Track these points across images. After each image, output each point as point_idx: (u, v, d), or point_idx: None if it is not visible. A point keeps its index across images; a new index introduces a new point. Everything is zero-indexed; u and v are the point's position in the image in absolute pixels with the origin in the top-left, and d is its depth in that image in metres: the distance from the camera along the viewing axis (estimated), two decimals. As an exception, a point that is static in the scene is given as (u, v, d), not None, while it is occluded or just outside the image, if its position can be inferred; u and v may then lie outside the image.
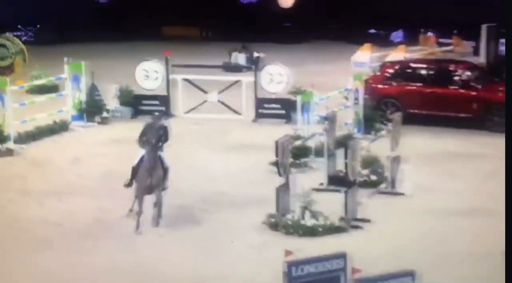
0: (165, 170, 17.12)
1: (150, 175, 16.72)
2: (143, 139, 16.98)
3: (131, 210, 17.36)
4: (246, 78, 27.69)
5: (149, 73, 27.82)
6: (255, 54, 33.61)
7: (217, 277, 14.83)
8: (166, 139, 17.06)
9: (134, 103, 27.52)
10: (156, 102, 27.42)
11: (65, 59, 26.65)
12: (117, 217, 17.78)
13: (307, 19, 39.39)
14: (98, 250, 16.08)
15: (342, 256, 11.85)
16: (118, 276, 14.89)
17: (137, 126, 25.78)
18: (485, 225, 17.33)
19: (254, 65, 29.75)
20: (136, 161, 17.00)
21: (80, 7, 43.05)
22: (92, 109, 26.65)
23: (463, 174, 21.02)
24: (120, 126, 26.31)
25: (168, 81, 27.65)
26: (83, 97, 26.63)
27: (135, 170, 16.97)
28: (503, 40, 32.65)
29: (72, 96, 26.51)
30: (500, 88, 26.34)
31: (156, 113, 17.82)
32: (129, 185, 17.25)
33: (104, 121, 26.78)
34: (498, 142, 23.40)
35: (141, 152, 16.96)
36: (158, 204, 17.03)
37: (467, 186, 20.08)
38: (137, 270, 15.14)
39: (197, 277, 14.84)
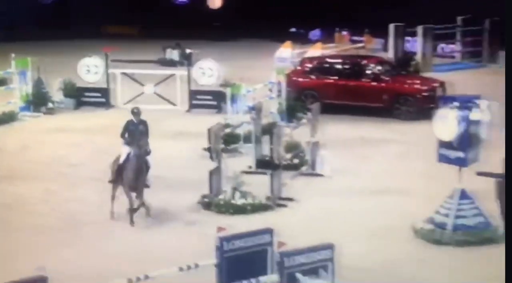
0: (148, 169, 16.50)
1: (137, 173, 16.06)
2: (126, 137, 16.37)
3: (112, 212, 16.55)
4: (180, 72, 27.58)
5: (90, 68, 27.59)
6: (188, 51, 33.44)
7: (157, 252, 14.80)
8: (147, 134, 16.34)
9: (77, 95, 27.27)
10: (97, 94, 27.25)
11: (12, 55, 26.39)
12: (62, 198, 17.71)
13: (234, 19, 39.37)
14: (44, 228, 15.97)
15: (269, 231, 11.95)
16: (61, 251, 14.82)
17: (79, 116, 25.93)
18: (395, 202, 17.58)
19: (186, 60, 29.68)
20: (122, 159, 16.23)
21: (26, 7, 42.39)
22: (38, 101, 26.39)
23: (375, 157, 21.26)
24: (64, 116, 26.17)
25: (107, 75, 27.43)
26: (29, 90, 26.34)
27: (121, 167, 16.19)
28: (408, 38, 33.14)
29: (19, 89, 26.27)
30: (407, 81, 26.81)
31: (135, 110, 16.81)
32: (113, 181, 16.40)
33: (49, 112, 26.49)
34: (405, 128, 23.86)
35: (125, 149, 16.30)
36: (140, 201, 16.22)
37: (379, 168, 20.31)
38: (80, 247, 15.07)
39: (139, 253, 14.80)
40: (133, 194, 16.24)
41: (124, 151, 16.31)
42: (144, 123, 16.61)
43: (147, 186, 16.52)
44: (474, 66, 32.65)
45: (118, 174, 16.26)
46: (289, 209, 17.38)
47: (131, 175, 15.99)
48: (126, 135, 16.38)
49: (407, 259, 14.75)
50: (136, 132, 16.25)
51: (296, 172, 19.50)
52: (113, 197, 16.52)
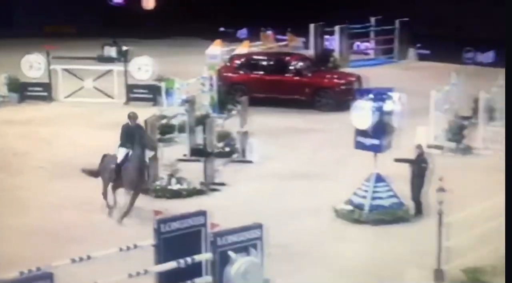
0: (147, 168, 16.00)
1: (139, 173, 15.33)
2: (124, 140, 15.62)
3: (109, 206, 15.87)
4: (117, 68, 27.27)
5: (32, 64, 27.18)
6: (124, 48, 33.03)
7: (99, 234, 14.64)
8: (144, 135, 15.66)
9: (21, 89, 26.79)
10: (40, 89, 26.81)
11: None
12: (9, 185, 17.41)
13: (167, 19, 39.11)
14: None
15: (203, 213, 11.89)
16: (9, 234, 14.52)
17: (23, 109, 25.47)
18: (318, 185, 17.70)
19: (123, 57, 29.38)
20: (120, 159, 15.47)
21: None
22: (-17, 95, 25.93)
23: (299, 145, 21.34)
24: (9, 109, 25.65)
25: (49, 70, 27.00)
26: (-25, 85, 25.87)
27: (118, 167, 15.43)
28: (327, 36, 33.33)
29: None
30: (327, 75, 26.97)
31: (131, 114, 16.06)
32: (111, 180, 15.61)
33: (-6, 105, 26.08)
34: (326, 118, 24.00)
35: (121, 150, 15.56)
36: (133, 200, 15.47)
37: (303, 155, 20.43)
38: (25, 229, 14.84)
39: (82, 235, 14.63)
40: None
41: (121, 152, 15.57)
42: (140, 126, 16.06)
43: (146, 186, 16.10)
44: (386, 61, 33.00)
45: (117, 174, 15.45)
46: (221, 193, 17.40)
47: (133, 174, 15.25)
48: (126, 140, 15.65)
49: (330, 237, 14.90)
50: (132, 134, 15.60)
51: (228, 159, 19.46)
52: (105, 195, 15.80)
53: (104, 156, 16.05)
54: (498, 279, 12.14)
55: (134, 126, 15.82)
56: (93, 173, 16.19)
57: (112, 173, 15.54)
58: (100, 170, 15.91)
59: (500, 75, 22.35)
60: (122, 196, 15.81)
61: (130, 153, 15.42)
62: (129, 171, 15.28)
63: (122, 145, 15.69)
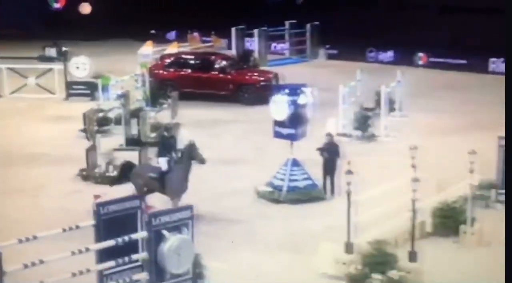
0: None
1: (184, 181, 14.40)
2: (164, 151, 14.70)
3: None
4: (57, 67, 26.80)
5: (-21, 64, 26.50)
6: (64, 49, 32.34)
7: (44, 216, 14.30)
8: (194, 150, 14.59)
9: (-30, 87, 26.06)
10: (-13, 86, 26.13)
11: None
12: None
13: (104, 22, 38.46)
14: None
15: (138, 197, 11.79)
16: None
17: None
18: (241, 170, 17.70)
19: (63, 57, 28.84)
20: (164, 168, 14.48)
21: None
22: None
23: (225, 134, 21.30)
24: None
25: (-5, 69, 26.37)
26: None
27: (162, 175, 14.42)
28: (247, 38, 33.32)
29: None
30: (248, 73, 26.93)
31: (168, 126, 15.43)
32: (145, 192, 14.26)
33: None
34: (248, 111, 23.97)
35: (163, 161, 14.55)
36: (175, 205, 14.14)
37: (228, 142, 20.39)
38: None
39: (27, 216, 14.26)
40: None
41: (163, 162, 14.57)
42: (175, 137, 15.47)
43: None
44: (300, 60, 33.17)
45: (160, 182, 14.42)
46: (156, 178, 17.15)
47: (178, 183, 14.34)
48: (167, 150, 14.78)
49: (253, 215, 14.91)
50: (170, 145, 14.91)
51: (160, 148, 19.26)
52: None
53: (127, 163, 15.04)
54: (400, 250, 12.33)
55: (170, 137, 15.20)
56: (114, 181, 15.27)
57: (151, 181, 14.49)
58: (132, 177, 14.88)
59: (397, 71, 22.83)
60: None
61: (172, 162, 14.55)
62: (174, 180, 14.35)
63: (162, 155, 14.73)
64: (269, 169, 16.46)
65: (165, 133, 15.37)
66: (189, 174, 14.53)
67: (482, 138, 17.34)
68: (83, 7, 39.79)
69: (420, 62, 30.85)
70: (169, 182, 14.34)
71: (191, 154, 14.42)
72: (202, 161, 14.60)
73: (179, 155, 14.75)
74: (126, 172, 14.83)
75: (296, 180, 15.93)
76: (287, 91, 16.17)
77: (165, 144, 14.97)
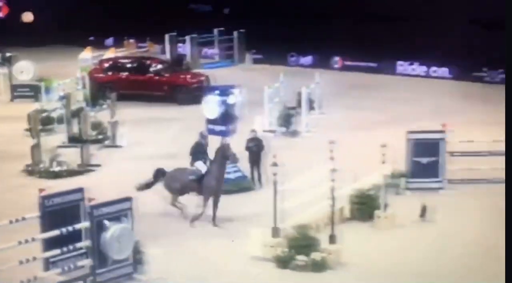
0: None
1: (220, 182, 14.02)
2: (200, 155, 14.32)
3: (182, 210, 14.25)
4: (3, 71, 26.17)
5: None
6: (8, 54, 31.38)
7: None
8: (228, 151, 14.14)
9: None
10: None
11: None
12: None
13: (46, 29, 37.53)
14: None
15: (80, 190, 11.70)
16: None
17: None
18: (178, 164, 17.07)
19: (8, 62, 28.02)
20: (204, 171, 14.08)
21: None
22: None
23: (161, 131, 21.06)
24: None
25: None
26: None
27: (201, 178, 14.05)
28: (180, 44, 33.11)
29: None
30: (181, 76, 26.74)
31: (204, 133, 14.78)
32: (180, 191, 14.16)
33: None
34: (182, 110, 23.74)
35: (201, 164, 14.20)
36: (216, 204, 14.04)
37: (164, 139, 20.15)
38: None
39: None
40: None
41: (201, 165, 14.22)
42: (207, 143, 14.76)
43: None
44: (228, 64, 33.10)
45: (198, 184, 14.04)
46: (96, 173, 16.99)
47: (214, 184, 13.92)
48: (198, 153, 14.43)
49: (188, 204, 14.72)
50: (205, 150, 14.49)
51: (101, 145, 19.02)
52: (174, 204, 14.26)
53: (160, 171, 14.46)
54: (321, 234, 12.44)
55: (206, 143, 14.68)
56: (147, 186, 14.55)
57: (190, 183, 14.10)
58: (168, 181, 14.33)
59: (316, 74, 23.05)
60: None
61: (212, 166, 14.10)
62: (211, 180, 13.96)
63: (197, 159, 14.34)
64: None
65: (201, 140, 14.65)
66: (224, 173, 14.19)
67: (392, 132, 17.64)
68: (26, 16, 38.91)
69: (337, 66, 31.26)
70: (207, 182, 13.96)
71: (225, 154, 14.02)
72: (235, 160, 14.39)
73: (212, 156, 14.23)
74: (158, 177, 14.38)
75: (227, 172, 15.85)
76: (218, 91, 16.16)
77: (200, 149, 14.47)
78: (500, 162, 15.37)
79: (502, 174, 15.21)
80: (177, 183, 14.26)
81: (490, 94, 25.05)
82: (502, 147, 15.47)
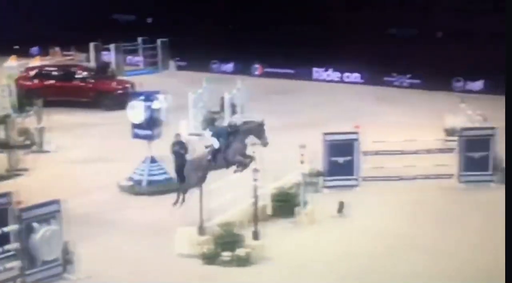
0: None
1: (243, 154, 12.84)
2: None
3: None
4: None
5: None
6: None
7: None
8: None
9: None
10: None
11: None
12: None
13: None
14: None
15: (8, 194, 11.49)
16: None
17: None
18: (105, 167, 17.24)
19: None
20: (216, 146, 13.06)
21: None
22: None
23: (88, 136, 20.51)
24: None
25: None
26: None
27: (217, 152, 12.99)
28: (105, 52, 32.59)
29: None
30: (106, 82, 26.30)
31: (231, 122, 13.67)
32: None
33: None
34: (108, 115, 23.19)
35: (208, 135, 13.41)
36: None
37: (92, 143, 19.65)
38: None
39: None
40: None
41: (211, 138, 13.13)
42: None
43: None
44: (153, 71, 32.77)
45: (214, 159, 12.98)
46: (24, 177, 16.54)
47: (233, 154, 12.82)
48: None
49: (116, 206, 14.64)
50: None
51: (28, 150, 18.45)
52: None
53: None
54: (245, 231, 12.51)
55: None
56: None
57: (208, 164, 13.04)
58: (189, 174, 13.42)
59: (238, 80, 23.16)
60: None
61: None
62: (230, 153, 12.84)
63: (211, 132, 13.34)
64: (129, 166, 16.18)
65: (233, 125, 13.25)
66: (246, 149, 12.81)
67: (309, 134, 17.89)
68: None
69: (257, 72, 31.52)
70: (228, 155, 12.75)
71: (259, 133, 12.67)
72: (265, 143, 12.79)
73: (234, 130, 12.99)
74: (181, 175, 13.47)
75: (154, 174, 15.81)
76: (142, 97, 16.06)
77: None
78: (410, 160, 16.05)
79: (413, 171, 16.02)
80: (199, 172, 13.07)
81: (399, 97, 25.88)
82: (412, 146, 16.23)
